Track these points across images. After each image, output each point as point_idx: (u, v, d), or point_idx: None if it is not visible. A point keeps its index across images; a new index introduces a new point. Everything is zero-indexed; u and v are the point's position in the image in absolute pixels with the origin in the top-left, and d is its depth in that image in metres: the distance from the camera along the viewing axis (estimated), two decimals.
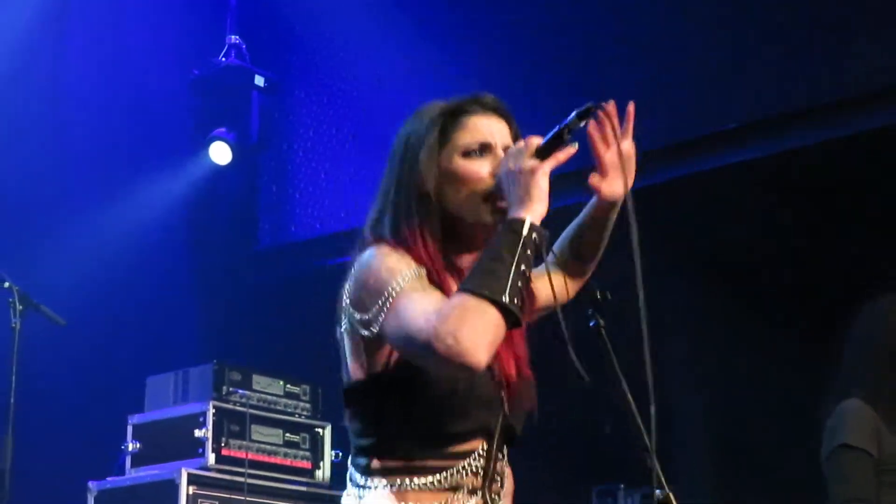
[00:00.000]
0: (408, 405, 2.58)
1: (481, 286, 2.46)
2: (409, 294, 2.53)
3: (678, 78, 6.54)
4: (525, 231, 2.52)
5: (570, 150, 2.61)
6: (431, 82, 7.18)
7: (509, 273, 2.48)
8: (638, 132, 2.83)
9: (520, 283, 2.49)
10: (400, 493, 2.61)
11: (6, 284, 5.62)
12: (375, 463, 2.66)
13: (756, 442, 6.34)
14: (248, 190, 8.81)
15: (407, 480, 2.61)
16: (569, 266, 3.02)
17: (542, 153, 2.59)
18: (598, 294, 3.07)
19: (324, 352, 5.72)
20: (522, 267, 2.50)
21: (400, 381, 2.58)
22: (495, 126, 2.75)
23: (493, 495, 2.69)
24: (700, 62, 6.51)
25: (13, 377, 5.48)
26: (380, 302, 2.55)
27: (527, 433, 2.79)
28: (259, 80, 8.64)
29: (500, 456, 2.71)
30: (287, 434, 6.54)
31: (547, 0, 7.23)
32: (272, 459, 6.17)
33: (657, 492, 3.79)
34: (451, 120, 2.74)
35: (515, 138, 2.77)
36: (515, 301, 2.47)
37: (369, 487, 2.65)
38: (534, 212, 2.55)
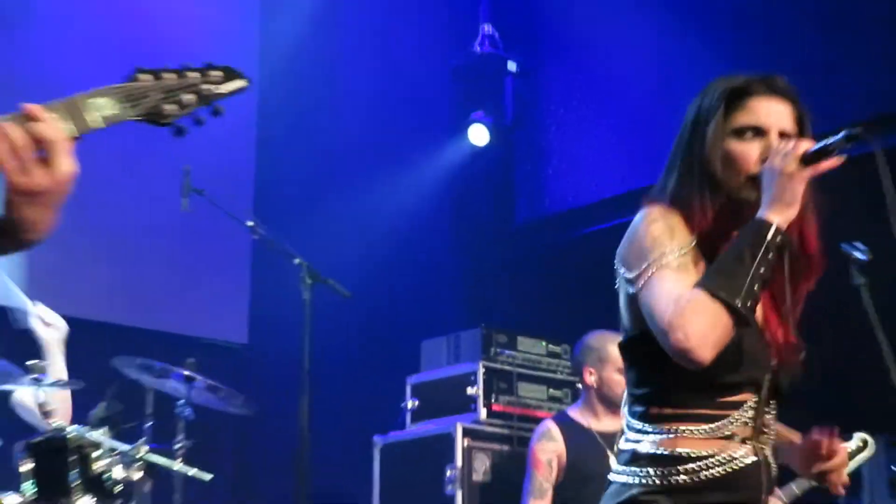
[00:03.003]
0: None
1: (719, 287, 2.48)
2: (665, 272, 2.55)
3: None
4: (770, 235, 2.51)
5: (835, 161, 2.57)
6: (677, 59, 7.07)
7: (748, 276, 2.49)
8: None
9: (756, 287, 2.49)
10: (675, 439, 2.62)
11: (297, 261, 5.72)
12: (651, 410, 2.67)
13: None
14: (504, 168, 8.83)
15: (682, 427, 2.62)
16: None
17: (808, 160, 2.55)
18: (860, 256, 3.01)
19: (579, 314, 5.72)
20: (762, 270, 2.50)
21: None
22: (774, 108, 2.68)
23: (761, 446, 2.66)
24: None
25: (306, 345, 5.58)
26: (641, 268, 2.58)
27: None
28: (511, 66, 8.67)
29: (767, 409, 2.69)
30: (551, 389, 6.55)
31: None
32: (538, 413, 6.17)
33: None
34: (735, 98, 2.69)
35: (800, 120, 2.71)
36: (749, 304, 2.48)
37: (646, 433, 2.66)
38: (783, 215, 2.53)
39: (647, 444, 2.65)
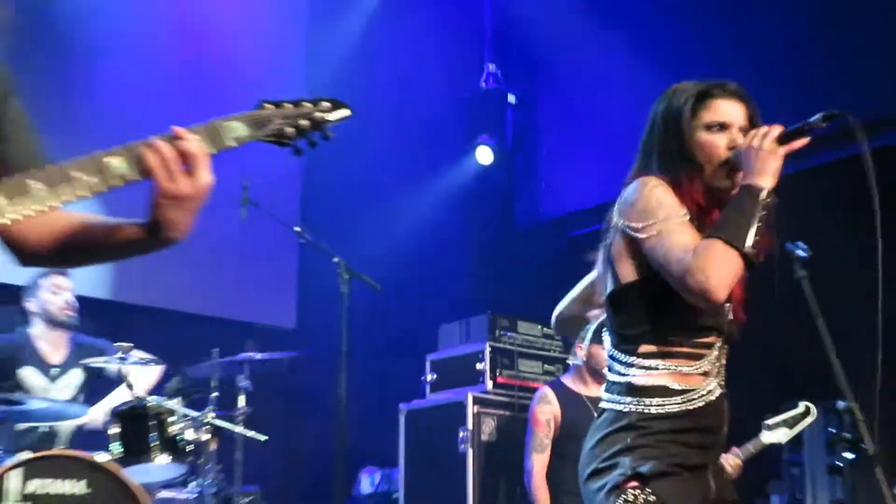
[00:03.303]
0: (671, 301, 2.53)
1: (730, 236, 2.46)
2: (674, 227, 2.53)
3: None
4: (763, 196, 2.51)
5: (804, 141, 2.57)
6: (645, 92, 7.03)
7: (750, 227, 2.47)
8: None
9: (758, 238, 2.47)
10: (667, 374, 2.59)
11: (335, 259, 5.71)
12: (643, 348, 2.62)
13: None
14: (506, 182, 8.82)
15: (671, 364, 2.60)
16: None
17: (782, 140, 2.55)
18: (801, 253, 3.00)
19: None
20: (759, 224, 2.48)
21: (665, 283, 2.53)
22: (734, 108, 2.68)
23: (722, 382, 2.66)
24: None
25: (344, 329, 5.57)
26: (650, 222, 2.55)
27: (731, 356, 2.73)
28: (511, 98, 8.69)
29: (725, 352, 2.68)
30: (545, 365, 6.54)
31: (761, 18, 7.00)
32: (535, 385, 6.15)
33: (840, 403, 3.64)
34: (700, 99, 2.69)
35: (751, 118, 2.70)
36: (754, 250, 2.47)
37: (638, 367, 2.62)
38: (767, 182, 2.53)
39: (641, 377, 2.60)
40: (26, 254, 2.14)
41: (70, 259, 2.19)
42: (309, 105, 2.08)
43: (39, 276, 5.50)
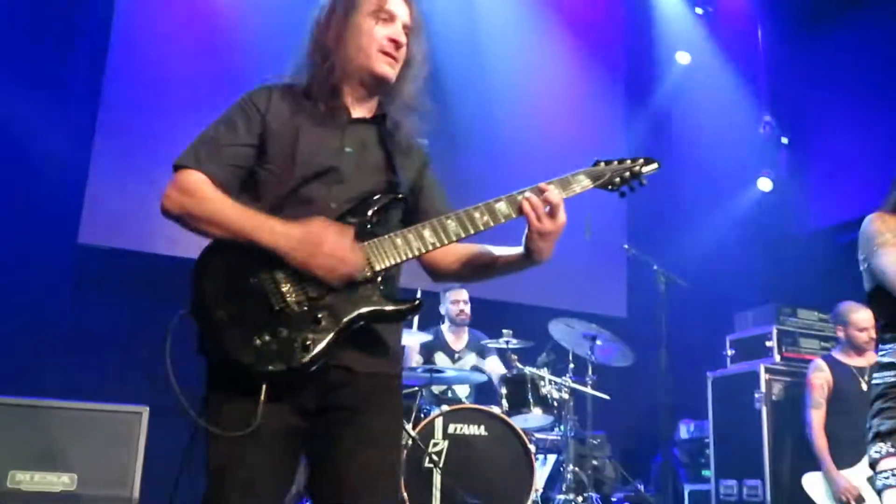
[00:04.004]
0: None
1: None
2: (879, 248, 2.41)
3: None
4: None
5: None
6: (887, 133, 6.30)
7: None
8: None
9: None
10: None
11: (655, 267, 5.49)
12: (885, 335, 2.48)
13: None
14: (783, 203, 8.09)
15: None
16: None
17: None
18: None
19: (839, 292, 5.08)
20: None
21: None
22: None
23: None
24: None
25: (663, 317, 5.37)
26: (867, 250, 2.44)
27: None
28: (784, 140, 8.02)
29: None
30: (821, 343, 5.89)
31: None
32: (812, 357, 5.51)
33: None
34: None
35: None
36: None
37: (883, 350, 2.48)
38: None
39: (886, 356, 2.46)
40: (436, 272, 2.18)
41: (466, 277, 2.19)
42: (629, 161, 2.02)
43: (445, 290, 5.61)
